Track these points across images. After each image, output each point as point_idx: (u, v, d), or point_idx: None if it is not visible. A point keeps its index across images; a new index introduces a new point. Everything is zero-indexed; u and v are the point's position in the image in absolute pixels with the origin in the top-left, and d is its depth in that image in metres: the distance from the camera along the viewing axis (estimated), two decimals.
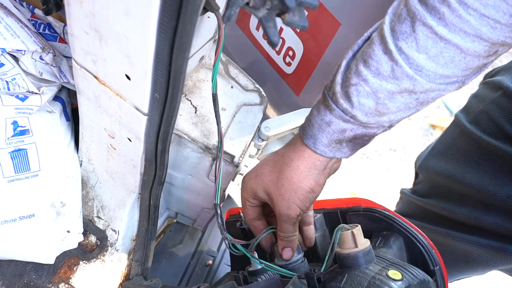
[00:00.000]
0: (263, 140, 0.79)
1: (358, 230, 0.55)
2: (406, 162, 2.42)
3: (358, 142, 0.60)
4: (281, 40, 0.84)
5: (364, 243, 0.55)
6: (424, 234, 0.63)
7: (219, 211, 0.63)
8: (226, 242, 0.65)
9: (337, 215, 0.72)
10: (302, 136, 0.61)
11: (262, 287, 0.55)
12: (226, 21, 0.41)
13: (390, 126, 0.59)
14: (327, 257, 0.57)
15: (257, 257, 0.65)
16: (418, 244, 0.61)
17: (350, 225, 0.58)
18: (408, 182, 2.11)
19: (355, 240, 0.55)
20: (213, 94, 0.57)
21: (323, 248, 0.72)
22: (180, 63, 0.44)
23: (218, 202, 0.63)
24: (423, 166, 1.05)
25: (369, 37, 0.56)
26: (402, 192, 1.16)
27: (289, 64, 0.86)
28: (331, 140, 0.59)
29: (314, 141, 0.59)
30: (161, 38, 0.42)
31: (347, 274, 0.53)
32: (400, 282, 0.49)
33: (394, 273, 0.51)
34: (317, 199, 0.73)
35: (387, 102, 0.54)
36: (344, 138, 0.59)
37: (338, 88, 0.56)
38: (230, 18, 0.41)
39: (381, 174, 2.35)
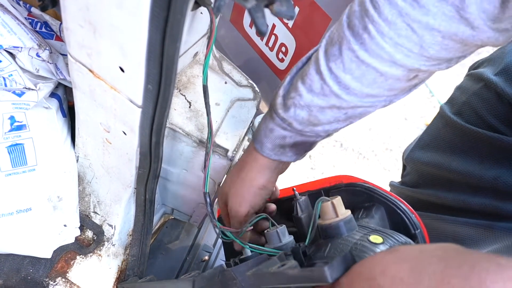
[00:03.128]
0: None
1: (338, 200, 0.57)
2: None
3: (300, 147, 0.66)
4: (269, 29, 0.85)
5: (344, 212, 0.56)
6: (404, 202, 0.64)
7: (208, 200, 0.65)
8: (216, 230, 0.66)
9: (321, 195, 0.73)
10: (253, 140, 0.68)
11: (250, 265, 0.56)
12: (216, 11, 0.42)
13: (328, 135, 0.66)
14: (310, 229, 0.58)
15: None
16: (399, 211, 0.63)
17: (330, 197, 0.60)
18: None
19: (335, 210, 0.56)
20: (203, 86, 0.59)
21: (309, 229, 0.74)
22: (171, 54, 0.45)
23: (208, 191, 0.65)
24: (409, 158, 1.07)
25: (310, 56, 0.62)
26: (391, 184, 1.18)
27: (282, 60, 0.87)
28: (274, 145, 0.65)
29: (261, 145, 0.66)
30: (152, 29, 0.43)
31: (330, 244, 0.55)
32: (381, 245, 0.50)
33: (375, 238, 0.52)
34: (300, 183, 0.76)
35: (318, 114, 0.60)
36: (286, 144, 0.65)
37: (279, 100, 0.63)
38: (220, 9, 0.43)
39: (378, 174, 2.36)
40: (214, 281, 0.60)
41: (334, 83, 0.56)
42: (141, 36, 0.44)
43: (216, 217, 0.66)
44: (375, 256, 0.40)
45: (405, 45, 0.51)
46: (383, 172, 2.37)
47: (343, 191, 0.69)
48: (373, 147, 2.47)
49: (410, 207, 0.63)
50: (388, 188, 1.22)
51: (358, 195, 0.67)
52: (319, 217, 0.59)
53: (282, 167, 0.69)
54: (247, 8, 0.43)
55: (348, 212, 0.57)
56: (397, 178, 1.22)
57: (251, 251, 0.68)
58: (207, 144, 0.65)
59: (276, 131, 0.64)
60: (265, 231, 0.67)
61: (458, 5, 0.47)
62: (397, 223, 0.63)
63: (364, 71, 0.54)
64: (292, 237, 0.67)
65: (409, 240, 0.55)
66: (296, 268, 0.44)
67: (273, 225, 0.68)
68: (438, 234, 0.94)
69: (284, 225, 0.67)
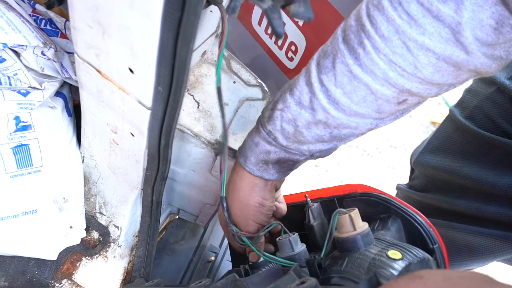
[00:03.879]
0: None
1: (355, 213, 0.56)
2: (406, 159, 2.42)
3: (284, 166, 0.64)
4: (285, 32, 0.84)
5: (362, 226, 0.55)
6: (421, 214, 0.63)
7: (225, 205, 0.64)
8: (233, 233, 0.66)
9: (334, 203, 0.72)
10: (238, 154, 0.67)
11: (264, 276, 0.55)
12: (231, 12, 0.41)
13: (312, 156, 0.63)
14: (326, 242, 0.57)
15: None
16: (416, 224, 0.62)
17: (347, 209, 0.59)
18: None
19: (353, 223, 0.55)
20: (217, 87, 0.57)
21: (322, 236, 0.73)
22: (184, 56, 0.43)
23: (224, 195, 0.64)
24: (418, 161, 1.05)
25: None
26: (398, 187, 1.16)
27: (291, 59, 0.85)
28: (258, 160, 0.64)
29: (245, 159, 0.65)
30: (165, 30, 0.42)
31: (347, 258, 0.53)
32: (400, 261, 0.49)
33: (393, 253, 0.51)
34: (312, 189, 0.75)
35: (304, 130, 0.59)
36: (270, 160, 0.63)
37: (267, 113, 0.62)
38: (235, 10, 0.41)
39: (382, 171, 2.35)
40: None
41: (323, 96, 0.55)
42: (152, 37, 0.43)
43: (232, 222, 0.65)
44: (398, 281, 0.38)
45: (400, 63, 0.50)
46: (387, 169, 2.36)
47: (358, 200, 0.68)
48: (377, 144, 2.46)
49: (428, 220, 0.61)
50: (394, 191, 1.20)
51: (374, 206, 0.66)
52: (335, 229, 0.58)
53: (273, 184, 0.67)
54: (263, 8, 0.41)
55: (366, 225, 0.56)
56: (402, 176, 1.20)
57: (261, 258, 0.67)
58: (222, 148, 0.64)
59: (261, 145, 0.63)
60: (277, 239, 0.66)
61: (454, 28, 0.46)
62: (414, 236, 0.62)
63: (356, 87, 0.53)
64: (304, 246, 0.66)
65: (427, 255, 0.54)
66: None
67: (285, 232, 0.67)
68: (451, 243, 0.93)
69: (296, 233, 0.65)
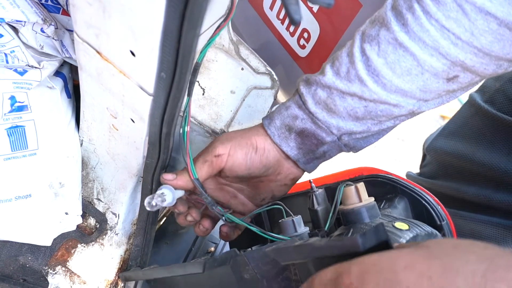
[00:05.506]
0: None
1: (361, 185, 0.54)
2: (413, 153, 2.39)
3: (306, 142, 0.60)
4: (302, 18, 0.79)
5: (368, 199, 0.54)
6: (429, 192, 0.61)
7: (200, 188, 0.61)
8: (221, 214, 0.63)
9: None
10: (264, 118, 0.64)
11: (265, 252, 0.53)
12: None
13: (340, 139, 0.59)
14: (331, 213, 0.57)
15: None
16: (423, 202, 0.60)
17: (353, 182, 0.58)
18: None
19: (359, 194, 0.54)
20: (197, 63, 0.54)
21: (326, 222, 0.71)
22: (190, 41, 0.40)
23: (197, 177, 0.61)
24: (431, 146, 1.02)
25: None
26: (408, 175, 1.13)
27: (303, 47, 0.81)
28: (282, 124, 0.61)
29: (270, 121, 0.62)
30: (169, 12, 0.38)
31: (352, 229, 0.52)
32: (408, 232, 0.48)
33: (400, 225, 0.50)
34: (317, 177, 0.72)
35: (337, 99, 0.56)
36: (294, 127, 0.60)
37: (304, 77, 0.60)
38: None
39: (389, 164, 2.31)
40: (225, 265, 0.57)
41: (363, 66, 0.51)
42: (155, 19, 0.39)
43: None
44: (400, 250, 0.33)
45: (454, 29, 0.45)
46: (394, 162, 2.33)
47: (364, 182, 0.66)
48: (384, 137, 2.42)
49: (436, 198, 0.59)
50: None
51: (380, 187, 0.64)
52: (341, 203, 0.57)
53: (280, 160, 0.63)
54: None
55: (372, 198, 0.55)
56: (408, 169, 1.17)
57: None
58: (183, 124, 0.60)
59: (291, 109, 0.60)
60: (280, 221, 0.64)
61: None
62: (421, 215, 0.60)
63: (400, 56, 0.49)
64: (307, 228, 0.64)
65: (435, 231, 0.53)
66: (323, 239, 0.40)
67: (288, 215, 0.65)
68: (456, 233, 0.90)
69: (299, 216, 0.63)
